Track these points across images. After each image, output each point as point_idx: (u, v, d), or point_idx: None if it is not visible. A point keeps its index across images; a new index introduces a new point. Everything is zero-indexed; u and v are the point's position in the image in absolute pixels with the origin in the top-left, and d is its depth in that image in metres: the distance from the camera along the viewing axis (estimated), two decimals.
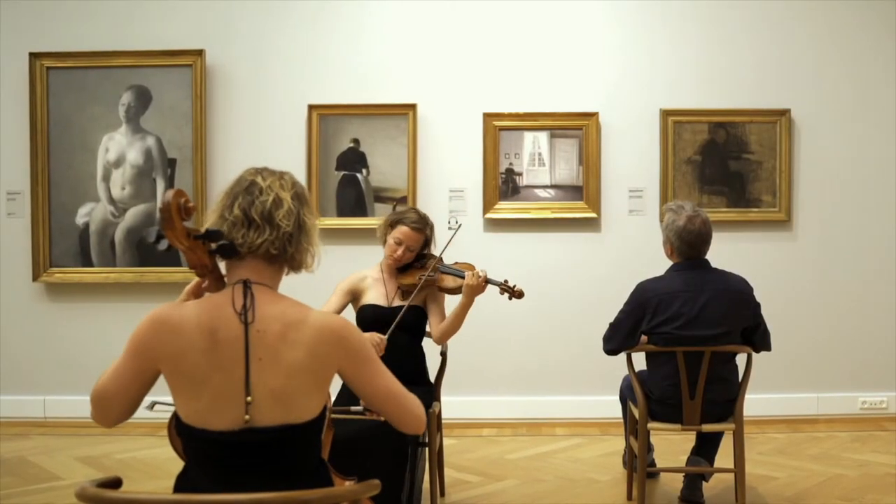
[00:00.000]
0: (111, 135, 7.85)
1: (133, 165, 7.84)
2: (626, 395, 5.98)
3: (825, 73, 7.87)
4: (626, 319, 5.41)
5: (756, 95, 7.83)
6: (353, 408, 3.95)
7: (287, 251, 2.92)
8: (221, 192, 2.99)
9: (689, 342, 5.19)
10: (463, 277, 5.36)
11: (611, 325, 5.50)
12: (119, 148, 7.84)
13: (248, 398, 2.74)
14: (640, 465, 5.40)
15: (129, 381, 2.84)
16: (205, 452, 2.82)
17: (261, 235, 2.87)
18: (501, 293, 5.39)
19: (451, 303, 5.47)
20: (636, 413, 5.50)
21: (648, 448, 5.76)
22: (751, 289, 5.43)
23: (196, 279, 3.01)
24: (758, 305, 5.43)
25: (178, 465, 2.96)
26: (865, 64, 7.86)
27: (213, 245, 2.86)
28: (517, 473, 6.47)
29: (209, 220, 2.96)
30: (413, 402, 3.03)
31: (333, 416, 3.65)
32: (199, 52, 7.77)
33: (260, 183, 2.93)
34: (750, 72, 7.86)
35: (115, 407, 2.87)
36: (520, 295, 5.36)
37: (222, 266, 2.97)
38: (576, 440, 7.36)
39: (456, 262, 5.55)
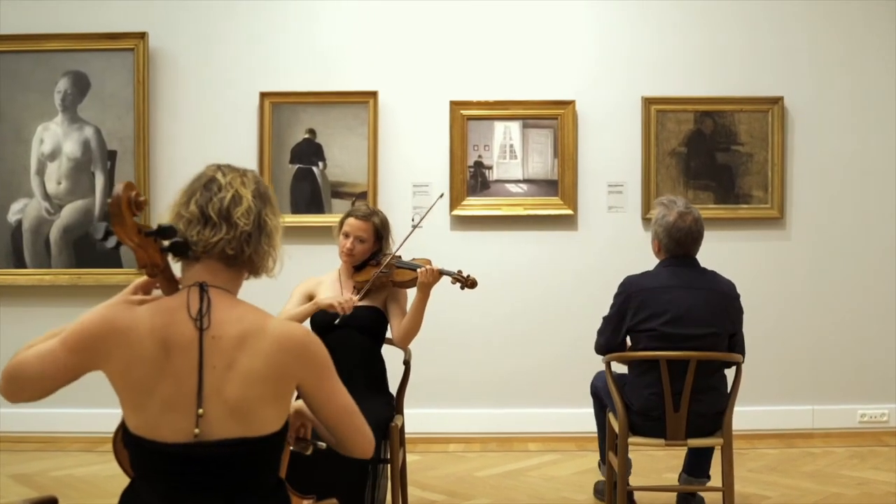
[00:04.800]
0: (46, 125, 7.81)
1: (70, 158, 7.80)
2: (599, 392, 5.97)
3: (821, 57, 7.91)
4: (616, 313, 5.48)
5: (746, 82, 7.86)
6: (319, 443, 3.89)
7: (245, 252, 2.91)
8: (180, 189, 2.99)
9: (675, 340, 5.23)
10: (415, 270, 5.46)
11: (604, 318, 5.58)
12: (55, 139, 7.80)
13: (200, 411, 2.73)
14: (619, 484, 5.39)
15: (60, 372, 2.81)
16: (153, 466, 2.81)
17: (217, 234, 2.87)
18: (453, 283, 5.50)
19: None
20: (615, 424, 5.52)
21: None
22: (738, 294, 5.49)
23: (146, 277, 2.99)
24: (741, 312, 5.49)
25: (118, 483, 2.95)
26: (864, 48, 7.91)
27: (166, 242, 2.86)
28: (487, 492, 6.48)
29: (165, 218, 2.95)
30: (365, 424, 3.06)
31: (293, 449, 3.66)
32: (142, 36, 7.73)
33: (220, 179, 2.94)
34: (739, 56, 7.89)
35: (33, 389, 2.84)
36: (473, 284, 5.48)
37: (176, 267, 2.96)
38: (550, 456, 7.37)
39: (414, 259, 5.62)
